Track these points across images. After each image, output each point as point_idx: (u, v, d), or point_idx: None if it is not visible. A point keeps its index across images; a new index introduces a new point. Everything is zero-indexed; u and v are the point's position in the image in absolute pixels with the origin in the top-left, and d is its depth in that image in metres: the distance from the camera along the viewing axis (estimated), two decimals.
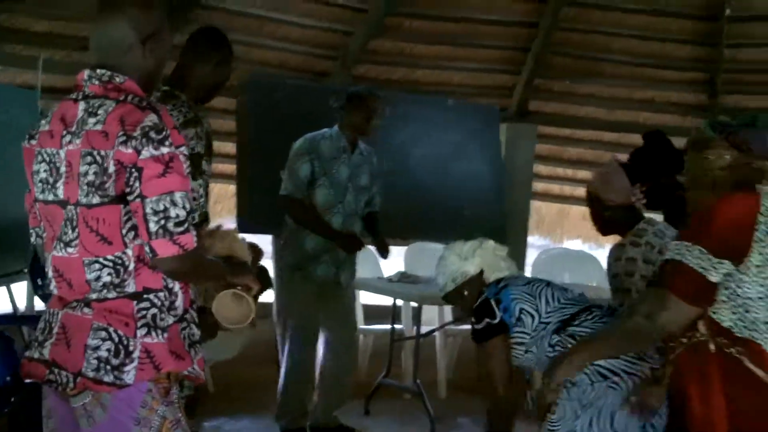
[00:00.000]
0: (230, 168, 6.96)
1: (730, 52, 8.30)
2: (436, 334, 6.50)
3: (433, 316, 6.60)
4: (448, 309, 6.80)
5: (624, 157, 3.76)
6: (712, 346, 2.37)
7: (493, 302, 3.43)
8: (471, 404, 6.27)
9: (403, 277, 6.23)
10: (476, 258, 3.66)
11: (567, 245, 9.16)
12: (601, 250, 8.98)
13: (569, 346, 3.21)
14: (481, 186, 7.58)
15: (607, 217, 3.59)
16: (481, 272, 3.65)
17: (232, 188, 7.12)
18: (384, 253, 5.37)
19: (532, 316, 3.37)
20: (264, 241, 5.45)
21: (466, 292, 3.65)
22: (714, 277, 2.33)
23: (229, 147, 6.99)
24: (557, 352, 3.25)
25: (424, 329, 6.05)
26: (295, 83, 7.25)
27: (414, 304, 6.28)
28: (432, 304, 6.34)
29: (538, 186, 8.81)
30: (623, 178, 3.57)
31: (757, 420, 2.28)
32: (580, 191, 8.96)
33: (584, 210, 9.51)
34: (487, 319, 3.42)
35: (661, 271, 2.44)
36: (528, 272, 7.94)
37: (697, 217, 2.45)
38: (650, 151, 3.66)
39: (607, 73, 8.48)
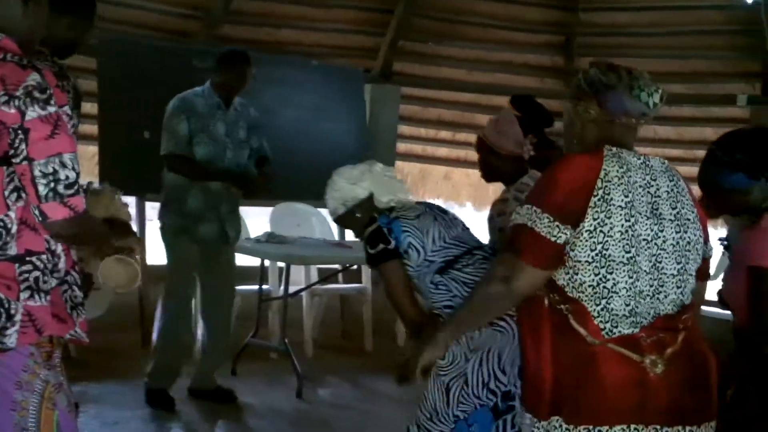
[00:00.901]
0: (90, 129, 6.80)
1: (585, 16, 8.54)
2: (303, 294, 6.57)
3: (299, 277, 6.66)
4: (314, 269, 6.88)
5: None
6: (546, 302, 2.46)
7: (385, 230, 3.51)
8: (337, 362, 6.39)
9: (270, 238, 6.25)
10: (365, 181, 3.70)
11: None
12: (462, 209, 9.20)
13: (451, 286, 3.36)
14: (347, 147, 7.62)
15: (496, 167, 3.68)
16: (371, 195, 3.69)
17: (92, 149, 6.97)
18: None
19: (418, 252, 3.46)
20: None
21: (358, 215, 3.69)
22: (562, 240, 2.39)
23: (89, 107, 6.81)
24: (440, 291, 3.39)
25: (291, 289, 6.09)
26: (157, 43, 7.13)
27: (281, 264, 6.32)
28: (299, 264, 6.41)
29: (401, 146, 8.91)
30: (517, 127, 3.65)
31: (575, 371, 2.38)
32: (442, 151, 9.16)
33: (445, 169, 9.70)
34: (383, 245, 3.49)
35: (513, 234, 2.48)
36: None
37: (543, 179, 2.51)
38: (526, 110, 3.78)
39: (468, 36, 8.61)
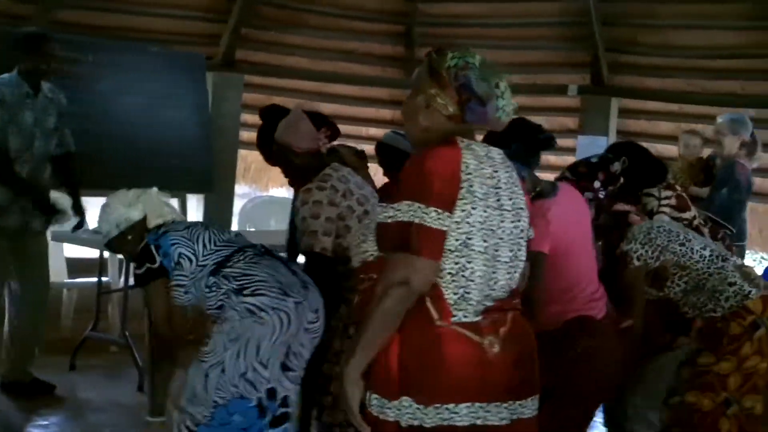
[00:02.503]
0: None
1: (424, 6, 8.71)
2: None
3: None
4: None
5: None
6: None
7: (153, 248, 3.55)
8: (180, 354, 6.31)
9: None
10: (140, 204, 3.75)
11: (272, 193, 9.32)
12: None
13: (221, 283, 3.44)
14: (189, 135, 7.54)
15: (298, 164, 3.76)
16: (145, 218, 3.74)
17: None
18: (79, 217, 5.33)
19: (190, 260, 3.53)
20: None
21: (129, 237, 3.73)
22: (446, 228, 2.43)
23: None
24: (212, 292, 3.46)
25: (131, 281, 5.99)
26: None
27: (121, 255, 6.20)
28: None
29: (245, 135, 8.88)
30: (308, 124, 3.76)
31: (420, 353, 2.45)
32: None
33: None
34: (148, 264, 3.53)
35: (398, 234, 2.45)
36: (235, 221, 8.05)
37: (413, 174, 2.49)
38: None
39: (311, 24, 8.65)
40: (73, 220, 5.36)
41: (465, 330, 2.47)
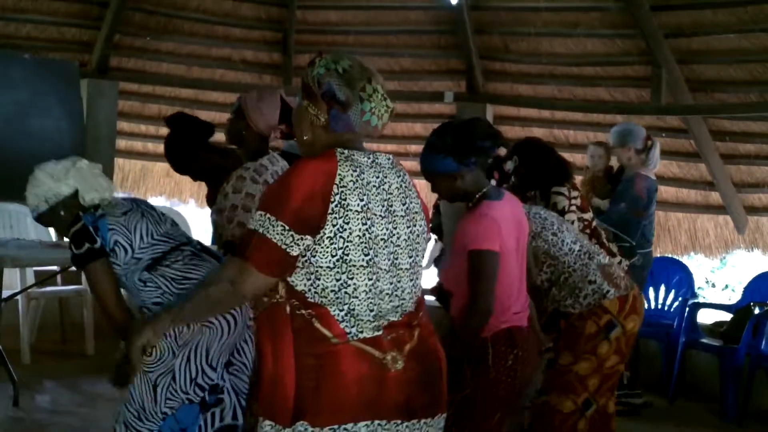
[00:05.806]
0: None
1: (300, 14, 8.72)
2: (19, 298, 6.32)
3: (14, 280, 6.40)
4: (31, 272, 6.63)
5: None
6: (287, 308, 2.45)
7: (91, 229, 3.43)
8: (57, 367, 6.23)
9: None
10: (69, 179, 3.57)
11: (150, 202, 9.21)
12: (184, 206, 9.17)
13: (159, 282, 3.37)
14: (63, 144, 7.37)
15: (243, 136, 3.71)
16: (76, 192, 3.57)
17: None
18: None
19: (126, 250, 3.42)
20: None
21: (61, 213, 3.56)
22: (295, 252, 2.39)
23: None
24: (148, 288, 3.38)
25: (4, 294, 5.85)
26: None
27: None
28: (12, 267, 6.16)
29: (121, 143, 8.75)
30: (276, 111, 3.69)
31: (315, 370, 2.41)
32: (163, 148, 9.05)
33: (167, 166, 9.62)
34: (88, 244, 3.41)
35: (245, 239, 2.46)
36: None
37: (278, 186, 2.46)
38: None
39: (185, 31, 8.58)
40: None
41: (364, 345, 2.43)
